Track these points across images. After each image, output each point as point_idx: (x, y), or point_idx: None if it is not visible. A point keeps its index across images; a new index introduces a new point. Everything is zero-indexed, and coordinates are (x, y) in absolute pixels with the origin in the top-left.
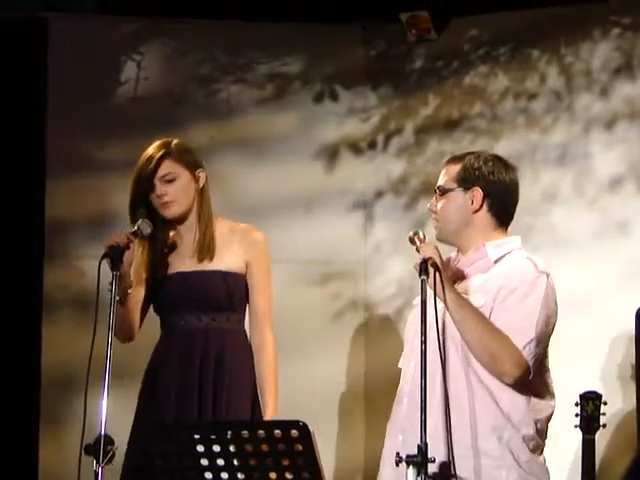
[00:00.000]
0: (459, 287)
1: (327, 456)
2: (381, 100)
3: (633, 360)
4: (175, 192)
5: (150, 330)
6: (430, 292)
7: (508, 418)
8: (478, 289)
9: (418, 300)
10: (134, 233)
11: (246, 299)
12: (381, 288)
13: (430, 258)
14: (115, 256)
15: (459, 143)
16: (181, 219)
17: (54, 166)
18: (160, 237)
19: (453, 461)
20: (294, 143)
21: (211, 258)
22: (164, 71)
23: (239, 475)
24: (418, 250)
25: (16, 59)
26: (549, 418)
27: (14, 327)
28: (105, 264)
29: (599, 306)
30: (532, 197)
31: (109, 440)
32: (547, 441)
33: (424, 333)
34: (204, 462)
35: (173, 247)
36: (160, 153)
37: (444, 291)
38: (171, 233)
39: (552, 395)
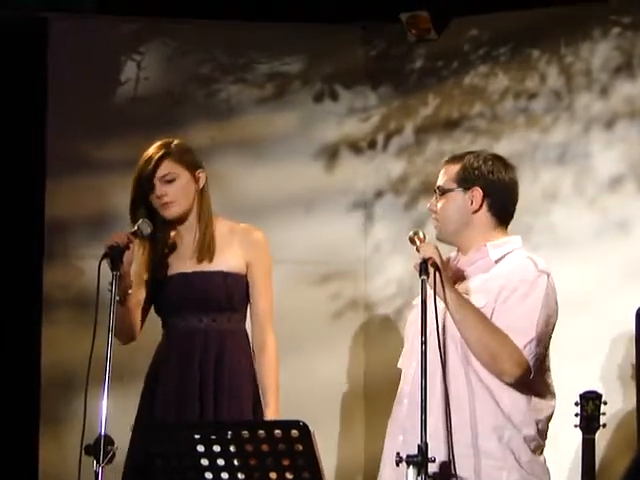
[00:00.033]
0: (460, 287)
1: (327, 456)
2: (381, 100)
3: (633, 360)
4: (175, 192)
5: (150, 331)
6: (430, 292)
7: (509, 418)
8: (479, 289)
9: (418, 300)
10: (134, 233)
11: (247, 299)
12: (381, 288)
13: (430, 258)
14: (115, 256)
15: (459, 143)
16: (181, 219)
17: (54, 166)
18: (160, 237)
19: (453, 461)
20: (294, 143)
21: (211, 259)
22: (164, 71)
23: (239, 475)
24: (418, 250)
25: (16, 59)
26: (550, 418)
27: (14, 327)
28: (105, 264)
29: (599, 306)
30: (532, 197)
31: (109, 440)
32: (547, 441)
33: (424, 333)
34: (204, 462)
35: (173, 247)
36: (160, 153)
37: (444, 291)
38: (171, 233)
39: (553, 395)
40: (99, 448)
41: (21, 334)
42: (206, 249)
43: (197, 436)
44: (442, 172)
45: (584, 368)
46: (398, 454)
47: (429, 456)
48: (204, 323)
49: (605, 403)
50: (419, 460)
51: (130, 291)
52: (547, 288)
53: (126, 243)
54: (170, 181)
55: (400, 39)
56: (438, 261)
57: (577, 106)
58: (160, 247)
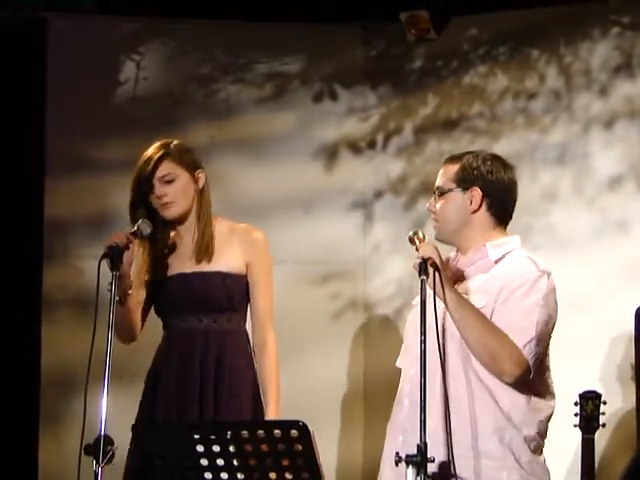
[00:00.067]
0: (460, 287)
1: (327, 456)
2: (380, 100)
3: (632, 359)
4: (174, 193)
5: (150, 331)
6: (430, 292)
7: (509, 419)
8: (479, 289)
9: (417, 300)
10: (134, 233)
11: (247, 300)
12: (380, 288)
13: (430, 258)
14: (115, 256)
15: (458, 143)
16: (181, 220)
17: (53, 165)
18: (160, 238)
19: (453, 461)
20: (293, 143)
21: (209, 259)
22: (163, 71)
23: (239, 475)
24: (417, 250)
25: (15, 59)
26: (549, 418)
27: (14, 327)
28: (105, 264)
29: (598, 306)
30: (531, 197)
31: (109, 440)
32: (547, 441)
33: (424, 333)
34: (204, 462)
35: (173, 248)
36: (159, 154)
37: (443, 291)
38: (171, 234)
39: (552, 395)
40: (99, 448)
41: (21, 334)
42: (204, 250)
43: (196, 436)
44: (441, 172)
45: (583, 368)
46: (397, 454)
47: (428, 456)
48: (204, 323)
49: (605, 403)
50: (418, 460)
51: (130, 291)
52: (547, 288)
53: (126, 243)
54: (169, 181)
55: (399, 39)
56: (437, 261)
57: (576, 106)
58: (160, 247)
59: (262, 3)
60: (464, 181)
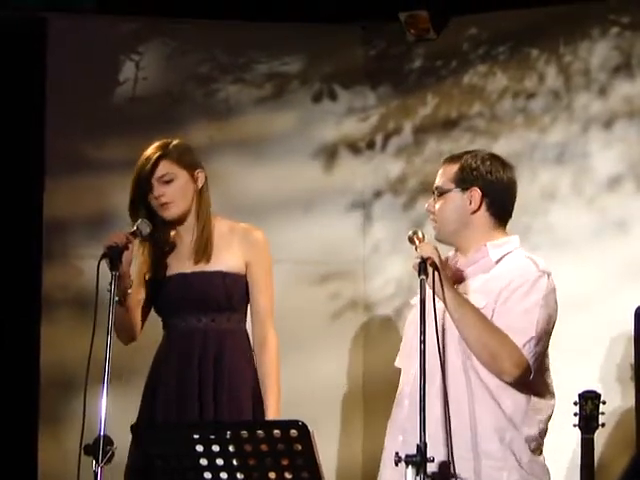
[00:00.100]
0: (460, 288)
1: (326, 456)
2: (380, 100)
3: (632, 359)
4: (173, 193)
5: (150, 331)
6: (429, 291)
7: (510, 419)
8: (479, 290)
9: (416, 300)
10: (133, 233)
11: (247, 299)
12: (380, 288)
13: (429, 258)
14: (114, 256)
15: (458, 143)
16: (180, 220)
17: (53, 165)
18: (160, 237)
19: (453, 461)
20: (293, 143)
21: (208, 259)
22: (163, 71)
23: (238, 475)
24: (417, 250)
25: (15, 58)
26: (549, 418)
27: (13, 327)
28: (104, 264)
29: (598, 305)
30: (531, 196)
31: (108, 440)
32: (546, 441)
33: (423, 332)
34: (203, 462)
35: (173, 248)
36: (157, 154)
37: (443, 290)
38: (171, 233)
39: (552, 394)
40: (98, 448)
41: (20, 334)
42: (203, 250)
43: (196, 436)
44: (440, 172)
45: (583, 368)
46: (397, 454)
47: (428, 456)
48: (203, 323)
49: (604, 403)
50: (418, 460)
51: (129, 291)
52: (547, 288)
53: (125, 243)
54: (168, 182)
55: (399, 39)
56: (437, 261)
57: (576, 106)
58: (160, 247)
59: (262, 3)
60: (463, 181)
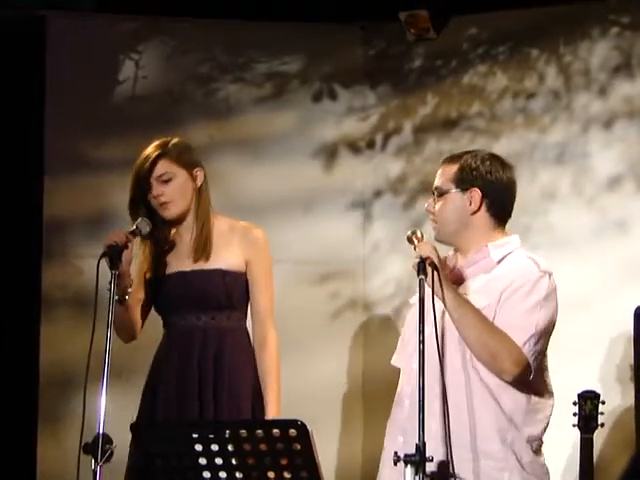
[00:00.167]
0: (461, 288)
1: (326, 455)
2: (380, 99)
3: (631, 359)
4: (171, 192)
5: (150, 329)
6: (428, 291)
7: (511, 419)
8: (481, 290)
9: (415, 299)
10: (133, 232)
11: (247, 297)
12: (380, 287)
13: (428, 257)
14: (114, 255)
15: (458, 142)
16: (180, 219)
17: (52, 164)
18: (160, 236)
19: (452, 461)
20: (293, 142)
21: (207, 257)
22: (163, 70)
23: (237, 474)
24: (416, 249)
25: (14, 57)
26: (549, 417)
27: (13, 326)
28: (104, 263)
29: (598, 305)
30: (531, 196)
31: (107, 439)
32: (545, 440)
33: (422, 332)
34: (202, 461)
35: (173, 246)
36: (156, 153)
37: (442, 290)
38: (171, 232)
39: (551, 394)
40: (97, 447)
41: (20, 333)
42: (202, 248)
43: (195, 435)
44: (439, 172)
45: (583, 368)
46: (396, 453)
47: (427, 455)
48: (202, 321)
49: (603, 403)
50: (417, 459)
51: (129, 290)
52: (548, 288)
53: (125, 242)
54: (167, 181)
55: (399, 38)
56: (436, 260)
57: (576, 106)
58: (160, 246)
59: (262, 2)
60: (463, 182)
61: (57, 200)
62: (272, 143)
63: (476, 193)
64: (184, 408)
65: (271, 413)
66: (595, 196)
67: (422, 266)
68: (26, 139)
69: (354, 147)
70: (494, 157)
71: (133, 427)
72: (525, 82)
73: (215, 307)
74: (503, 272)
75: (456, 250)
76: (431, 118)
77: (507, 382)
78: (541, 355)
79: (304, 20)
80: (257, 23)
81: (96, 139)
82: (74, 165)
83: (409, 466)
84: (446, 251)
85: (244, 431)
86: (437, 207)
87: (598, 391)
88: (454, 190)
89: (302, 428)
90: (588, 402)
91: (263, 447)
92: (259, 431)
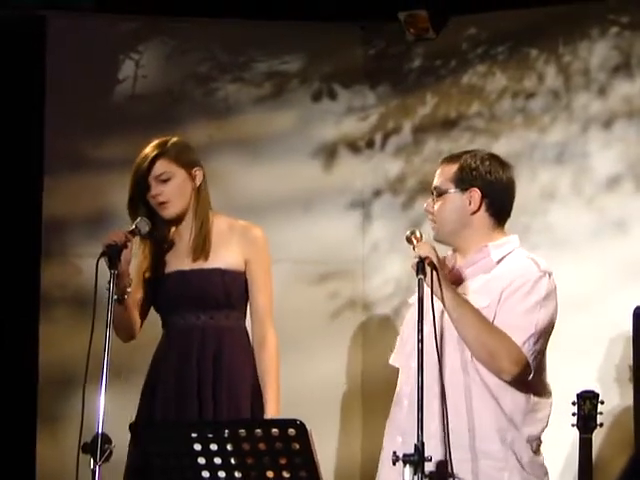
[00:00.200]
0: (460, 288)
1: (325, 455)
2: (379, 99)
3: (630, 359)
4: (170, 192)
5: (149, 329)
6: (427, 290)
7: (510, 419)
8: (481, 290)
9: (414, 299)
10: (132, 232)
11: (246, 297)
12: (379, 287)
13: (427, 257)
14: (113, 255)
15: (457, 142)
16: (179, 218)
17: (52, 164)
18: (160, 236)
19: (450, 460)
20: (292, 142)
21: (206, 257)
22: (162, 69)
23: (236, 474)
24: (415, 249)
25: (14, 57)
26: (548, 417)
27: (12, 325)
28: (103, 262)
29: (597, 305)
30: (530, 196)
31: (106, 439)
32: (544, 440)
33: (421, 331)
34: (201, 461)
35: (172, 245)
36: (154, 153)
37: (441, 290)
38: (171, 231)
39: (549, 393)
40: (96, 446)
41: (19, 332)
42: (201, 247)
43: (194, 435)
44: (438, 172)
45: (582, 367)
46: (395, 453)
47: (426, 455)
48: (201, 320)
49: (602, 402)
50: (416, 459)
51: (129, 289)
52: (548, 288)
53: (124, 242)
54: (165, 180)
55: (398, 38)
56: (435, 260)
57: (575, 106)
58: (160, 245)
59: (261, 2)
60: (462, 182)
61: (56, 199)
62: (271, 143)
63: (475, 193)
64: (183, 408)
65: (270, 412)
66: (594, 196)
67: (421, 266)
68: (26, 139)
69: (353, 147)
70: (493, 157)
71: (132, 427)
72: (524, 82)
73: (214, 306)
74: (503, 272)
75: (455, 250)
76: (430, 118)
77: (506, 382)
78: (540, 355)
79: (304, 20)
80: (257, 23)
81: (96, 139)
82: (74, 165)
83: (408, 466)
84: (445, 251)
85: (243, 430)
86: (436, 207)
87: (597, 391)
88: (453, 190)
89: (301, 428)
90: (587, 402)
91: (262, 446)
92: (258, 430)
